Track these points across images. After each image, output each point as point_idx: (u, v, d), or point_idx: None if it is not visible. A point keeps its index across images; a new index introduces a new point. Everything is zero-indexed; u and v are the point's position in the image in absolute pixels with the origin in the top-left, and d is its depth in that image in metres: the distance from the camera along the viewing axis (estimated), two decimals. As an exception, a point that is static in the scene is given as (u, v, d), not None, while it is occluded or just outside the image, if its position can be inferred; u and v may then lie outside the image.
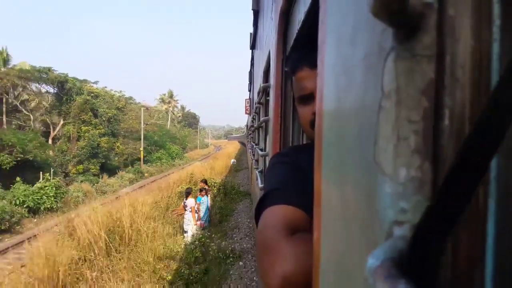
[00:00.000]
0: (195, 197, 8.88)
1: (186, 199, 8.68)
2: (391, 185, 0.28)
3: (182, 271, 6.76)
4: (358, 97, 0.38)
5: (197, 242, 7.64)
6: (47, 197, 15.25)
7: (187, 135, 55.22)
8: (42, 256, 6.82)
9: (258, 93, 3.89)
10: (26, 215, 13.68)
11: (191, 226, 8.33)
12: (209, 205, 9.09)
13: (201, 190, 9.08)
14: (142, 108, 34.19)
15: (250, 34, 8.67)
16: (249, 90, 12.16)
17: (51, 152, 20.56)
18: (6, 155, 17.66)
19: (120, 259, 7.44)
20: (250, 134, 8.84)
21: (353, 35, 0.40)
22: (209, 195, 9.38)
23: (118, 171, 25.00)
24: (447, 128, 0.25)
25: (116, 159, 26.24)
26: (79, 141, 25.01)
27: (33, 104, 24.20)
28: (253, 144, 6.13)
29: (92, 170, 22.95)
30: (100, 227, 8.04)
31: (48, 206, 15.08)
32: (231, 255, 7.20)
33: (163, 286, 6.53)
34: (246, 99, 15.96)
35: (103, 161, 24.60)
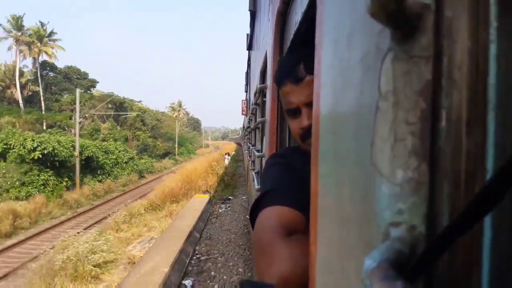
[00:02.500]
0: (227, 154, 25.55)
1: (225, 155, 24.98)
2: (388, 186, 0.28)
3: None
4: (355, 98, 0.38)
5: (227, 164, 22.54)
6: (149, 166, 32.92)
7: (193, 136, 71.92)
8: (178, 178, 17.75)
9: (255, 94, 3.89)
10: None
11: (226, 162, 22.60)
12: (230, 157, 24.84)
13: (228, 154, 25.59)
14: (176, 121, 54.28)
15: (247, 34, 8.67)
16: (246, 91, 12.17)
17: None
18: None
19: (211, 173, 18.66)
20: (247, 135, 8.85)
21: (350, 36, 0.40)
22: (230, 155, 25.81)
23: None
24: (444, 130, 0.25)
25: (157, 152, 41.58)
26: (133, 141, 38.00)
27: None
28: (250, 145, 6.12)
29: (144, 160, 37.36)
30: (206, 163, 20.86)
31: (150, 170, 32.56)
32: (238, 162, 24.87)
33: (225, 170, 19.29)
34: (242, 100, 16.02)
35: (150, 154, 39.27)
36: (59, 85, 37.26)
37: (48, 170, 19.27)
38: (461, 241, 0.25)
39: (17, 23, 33.21)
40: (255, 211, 0.83)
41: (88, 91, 36.58)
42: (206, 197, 11.35)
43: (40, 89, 34.55)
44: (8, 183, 17.60)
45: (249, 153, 6.32)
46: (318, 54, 0.56)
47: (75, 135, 22.72)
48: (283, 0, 1.43)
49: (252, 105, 4.74)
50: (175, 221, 8.31)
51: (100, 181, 23.27)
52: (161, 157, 41.42)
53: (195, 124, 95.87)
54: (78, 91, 21.56)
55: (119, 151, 27.67)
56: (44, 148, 18.63)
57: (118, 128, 36.43)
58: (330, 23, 0.50)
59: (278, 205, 0.77)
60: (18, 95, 32.23)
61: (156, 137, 42.85)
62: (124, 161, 27.73)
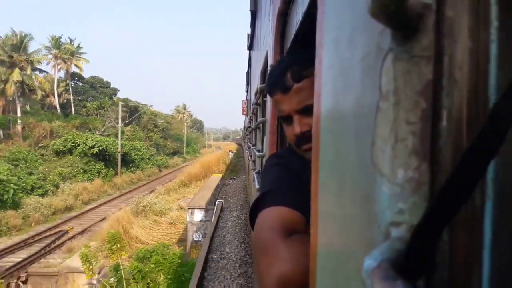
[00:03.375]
0: (230, 151, 35.67)
1: (229, 152, 34.96)
2: (388, 186, 0.28)
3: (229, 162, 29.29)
4: (356, 98, 0.38)
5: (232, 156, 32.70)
6: (164, 162, 39.72)
7: (197, 137, 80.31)
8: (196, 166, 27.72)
9: (255, 94, 3.90)
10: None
11: (231, 155, 32.38)
12: (232, 153, 34.25)
13: (231, 151, 35.50)
14: (184, 124, 62.89)
15: (248, 35, 8.67)
16: (246, 91, 12.20)
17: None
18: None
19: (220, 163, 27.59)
20: (247, 135, 8.86)
21: (351, 36, 0.40)
22: (232, 152, 35.49)
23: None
24: (445, 129, 0.25)
25: (167, 151, 48.19)
26: (146, 141, 42.61)
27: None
28: (250, 145, 6.12)
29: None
30: (215, 158, 29.26)
31: (165, 165, 39.46)
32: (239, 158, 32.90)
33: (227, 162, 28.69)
34: (243, 100, 16.05)
35: (161, 153, 44.74)
36: (86, 93, 46.40)
37: (100, 162, 28.05)
38: (461, 241, 0.25)
39: (56, 42, 40.86)
40: (255, 211, 0.83)
41: (110, 98, 45.72)
42: (220, 175, 19.04)
43: (71, 97, 42.90)
44: (75, 170, 26.18)
45: (249, 153, 6.33)
46: (319, 54, 0.56)
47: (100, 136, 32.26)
48: (284, 0, 1.43)
49: (252, 105, 4.74)
50: (205, 183, 16.45)
51: (132, 172, 31.86)
52: (171, 155, 48.77)
53: (198, 126, 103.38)
54: (120, 104, 30.38)
55: (143, 149, 35.83)
56: (100, 146, 27.40)
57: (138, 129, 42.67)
58: (331, 23, 0.50)
59: (277, 205, 0.77)
60: (56, 102, 40.28)
61: (166, 138, 50.17)
62: (147, 157, 36.17)
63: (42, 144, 28.57)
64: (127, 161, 31.91)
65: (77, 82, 46.43)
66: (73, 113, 40.60)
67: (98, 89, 47.13)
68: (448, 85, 0.25)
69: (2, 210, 17.20)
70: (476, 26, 0.24)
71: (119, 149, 28.62)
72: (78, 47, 43.57)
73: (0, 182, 17.93)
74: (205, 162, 26.95)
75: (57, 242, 14.84)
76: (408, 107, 0.27)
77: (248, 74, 10.16)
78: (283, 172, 0.91)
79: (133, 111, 43.58)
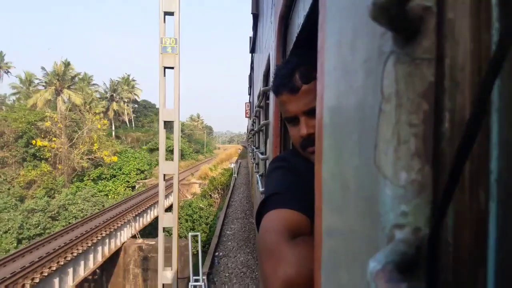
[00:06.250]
0: (239, 149, 63.50)
1: (238, 149, 61.21)
2: (391, 188, 0.28)
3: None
4: (358, 100, 0.38)
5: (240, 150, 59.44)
6: (196, 157, 61.36)
7: (209, 141, 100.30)
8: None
9: (258, 96, 3.90)
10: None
11: (239, 151, 59.23)
12: (240, 150, 61.66)
13: (239, 149, 62.40)
14: (204, 132, 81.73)
15: (250, 38, 8.70)
16: (249, 94, 12.23)
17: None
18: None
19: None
20: (251, 137, 8.88)
21: (353, 39, 0.40)
22: (240, 149, 62.30)
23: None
24: (447, 131, 0.25)
25: (191, 151, 66.85)
26: None
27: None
28: (254, 147, 6.12)
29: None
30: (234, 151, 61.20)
31: (196, 159, 60.63)
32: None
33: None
34: (246, 103, 16.17)
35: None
36: (140, 112, 66.84)
37: (172, 154, 51.02)
38: (466, 242, 0.25)
39: (126, 80, 60.84)
40: (260, 214, 0.83)
41: (156, 115, 65.64)
42: (236, 157, 47.91)
43: (132, 115, 63.32)
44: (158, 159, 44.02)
45: (253, 156, 6.33)
46: (320, 57, 0.57)
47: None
48: (285, 3, 1.43)
49: (255, 107, 4.74)
50: (231, 160, 45.25)
51: (183, 161, 50.10)
52: (195, 154, 68.06)
53: (208, 131, 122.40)
54: (178, 121, 51.10)
55: (186, 148, 55.89)
56: (172, 146, 46.32)
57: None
58: (332, 26, 0.50)
59: (282, 208, 0.77)
60: (126, 119, 61.08)
61: (190, 141, 67.91)
62: (188, 153, 56.02)
63: (129, 146, 48.83)
64: (181, 155, 51.16)
65: (134, 105, 68.06)
66: (134, 126, 63.27)
67: (148, 109, 68.15)
68: (450, 87, 0.25)
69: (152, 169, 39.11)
70: (477, 27, 0.24)
71: (179, 147, 52.29)
72: (133, 80, 63.99)
73: (146, 158, 39.29)
74: (228, 153, 51.37)
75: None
76: (410, 109, 0.27)
77: (251, 77, 10.18)
78: (286, 174, 0.91)
79: (166, 122, 63.03)
